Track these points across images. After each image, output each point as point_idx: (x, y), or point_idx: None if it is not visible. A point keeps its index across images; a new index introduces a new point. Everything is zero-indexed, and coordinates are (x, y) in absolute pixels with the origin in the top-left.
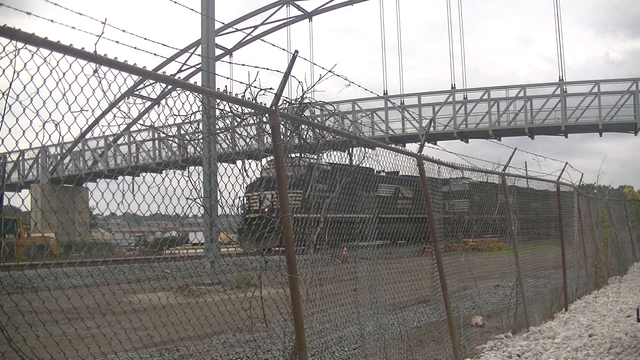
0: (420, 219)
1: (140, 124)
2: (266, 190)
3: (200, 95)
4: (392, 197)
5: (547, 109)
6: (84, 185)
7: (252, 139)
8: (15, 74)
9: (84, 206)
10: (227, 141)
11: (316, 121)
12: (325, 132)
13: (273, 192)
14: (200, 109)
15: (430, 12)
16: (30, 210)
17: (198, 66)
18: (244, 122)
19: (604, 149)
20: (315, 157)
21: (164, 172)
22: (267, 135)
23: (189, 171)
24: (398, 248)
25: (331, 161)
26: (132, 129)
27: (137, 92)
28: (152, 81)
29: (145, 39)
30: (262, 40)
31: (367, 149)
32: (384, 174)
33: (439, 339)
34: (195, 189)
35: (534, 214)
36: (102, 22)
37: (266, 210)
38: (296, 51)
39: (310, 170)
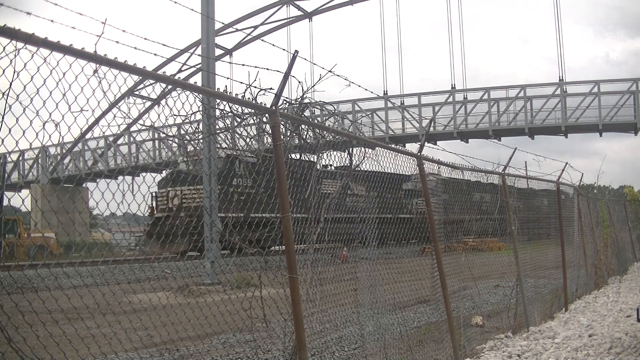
0: (374, 220)
1: (140, 124)
2: (180, 185)
3: (200, 95)
4: (339, 194)
5: (547, 109)
6: (84, 185)
7: (252, 139)
8: (15, 74)
9: (84, 206)
10: (227, 141)
11: (316, 121)
12: (325, 132)
13: (185, 187)
14: (200, 109)
15: (430, 13)
16: (30, 210)
17: (198, 66)
18: (244, 122)
19: (604, 149)
20: (316, 156)
21: (164, 172)
22: (267, 135)
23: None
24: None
25: (254, 152)
26: (132, 129)
27: (137, 92)
28: (152, 81)
29: (145, 39)
30: (262, 40)
31: (367, 149)
32: (333, 168)
33: (439, 339)
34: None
35: (534, 214)
36: (102, 22)
37: (174, 208)
38: (296, 51)
39: (227, 164)
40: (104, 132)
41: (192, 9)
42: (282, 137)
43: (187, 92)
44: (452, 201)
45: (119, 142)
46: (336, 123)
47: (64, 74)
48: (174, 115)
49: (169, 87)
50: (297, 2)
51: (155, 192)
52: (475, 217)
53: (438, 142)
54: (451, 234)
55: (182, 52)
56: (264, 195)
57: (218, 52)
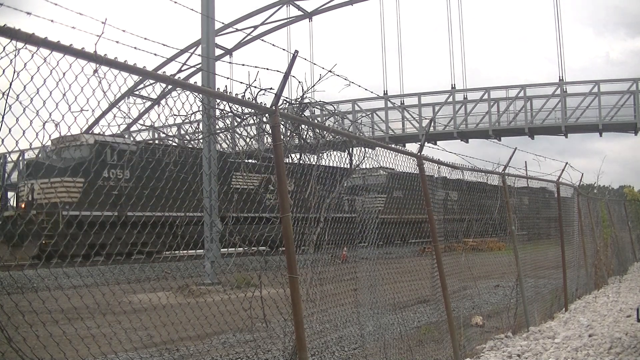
0: (300, 219)
1: (140, 124)
2: (35, 178)
3: (200, 95)
4: (257, 191)
5: (547, 109)
6: None
7: (252, 139)
8: (15, 74)
9: None
10: (227, 141)
11: (316, 121)
12: (325, 132)
13: (37, 181)
14: (200, 109)
15: (430, 13)
16: None
17: (198, 66)
18: (244, 122)
19: (604, 149)
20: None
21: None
22: (267, 135)
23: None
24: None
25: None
26: (132, 129)
27: (137, 92)
28: (152, 81)
29: (145, 39)
30: (262, 40)
31: (367, 149)
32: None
33: (439, 339)
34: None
35: (534, 214)
36: (102, 22)
37: (23, 206)
38: (296, 51)
39: (102, 154)
40: (104, 132)
41: (192, 9)
42: (282, 137)
43: (187, 92)
44: (407, 199)
45: None
46: (336, 123)
47: (64, 74)
48: (174, 115)
49: (169, 87)
50: (297, 2)
51: (10, 186)
52: (438, 217)
53: (438, 142)
54: (408, 235)
55: (182, 52)
56: (145, 190)
57: (218, 52)
